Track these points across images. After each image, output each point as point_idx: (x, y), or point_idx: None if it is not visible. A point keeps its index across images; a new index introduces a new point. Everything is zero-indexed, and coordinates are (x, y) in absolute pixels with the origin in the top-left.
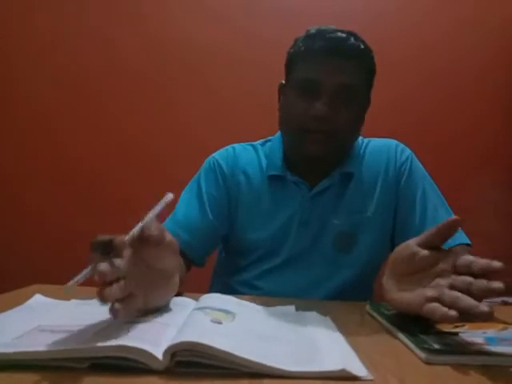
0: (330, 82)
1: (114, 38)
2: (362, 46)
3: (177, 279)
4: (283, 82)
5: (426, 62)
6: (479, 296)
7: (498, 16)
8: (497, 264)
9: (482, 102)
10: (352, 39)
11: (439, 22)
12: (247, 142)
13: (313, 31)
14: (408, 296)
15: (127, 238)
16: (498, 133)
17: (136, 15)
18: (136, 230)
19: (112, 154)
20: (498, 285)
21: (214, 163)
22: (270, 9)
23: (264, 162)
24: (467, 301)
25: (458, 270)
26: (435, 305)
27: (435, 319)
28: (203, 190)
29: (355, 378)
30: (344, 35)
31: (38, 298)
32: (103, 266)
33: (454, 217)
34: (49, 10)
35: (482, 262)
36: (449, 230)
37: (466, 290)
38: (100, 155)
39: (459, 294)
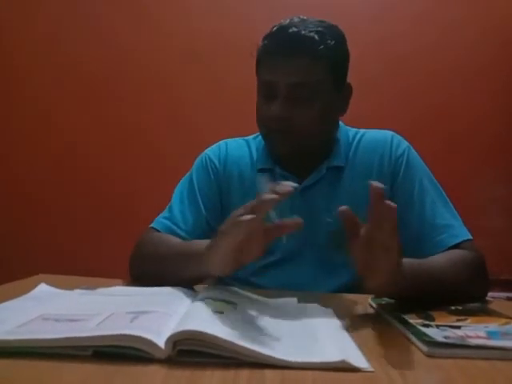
0: (284, 83)
1: (118, 30)
2: (317, 37)
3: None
4: None
5: (428, 60)
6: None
7: (501, 13)
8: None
9: (485, 98)
10: (306, 32)
11: (440, 20)
12: (251, 134)
13: (273, 29)
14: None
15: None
16: (501, 129)
17: (140, 7)
18: None
19: (115, 147)
20: None
21: (206, 159)
22: (278, 1)
23: (255, 155)
24: None
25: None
26: None
27: None
28: (196, 187)
29: (356, 369)
30: (296, 30)
31: (43, 287)
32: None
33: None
34: (50, 5)
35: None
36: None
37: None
38: (104, 147)
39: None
